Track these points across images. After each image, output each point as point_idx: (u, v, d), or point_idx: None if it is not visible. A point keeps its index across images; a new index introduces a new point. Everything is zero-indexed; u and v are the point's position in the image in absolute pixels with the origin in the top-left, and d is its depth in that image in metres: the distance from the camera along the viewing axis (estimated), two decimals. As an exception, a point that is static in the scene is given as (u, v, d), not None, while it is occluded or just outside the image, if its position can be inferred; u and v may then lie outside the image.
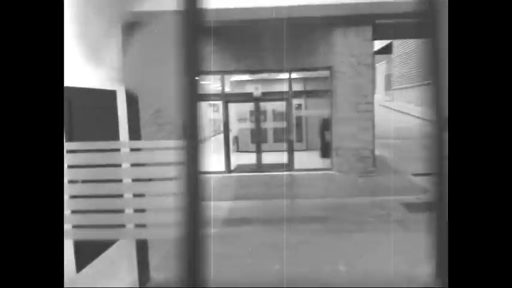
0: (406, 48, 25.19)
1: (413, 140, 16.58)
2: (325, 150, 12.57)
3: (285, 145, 10.57)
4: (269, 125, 14.73)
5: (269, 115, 14.80)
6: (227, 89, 14.40)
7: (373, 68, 9.93)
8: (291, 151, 10.45)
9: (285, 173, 10.34)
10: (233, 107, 15.21)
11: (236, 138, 15.27)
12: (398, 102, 25.65)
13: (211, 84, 10.98)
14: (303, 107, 14.15)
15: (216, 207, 7.92)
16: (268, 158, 11.15)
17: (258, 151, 10.68)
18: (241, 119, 14.81)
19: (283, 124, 14.26)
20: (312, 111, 13.51)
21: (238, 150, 15.15)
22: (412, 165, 11.10)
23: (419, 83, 26.04)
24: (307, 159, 12.03)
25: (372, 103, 9.97)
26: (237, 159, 13.65)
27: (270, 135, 14.82)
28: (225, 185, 9.55)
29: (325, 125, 12.74)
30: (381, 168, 10.54)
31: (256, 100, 10.41)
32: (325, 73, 12.60)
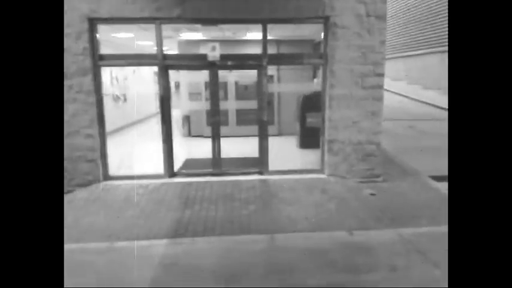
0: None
1: (404, 121, 13.80)
2: (306, 139, 9.37)
3: (256, 129, 7.22)
4: (231, 103, 11.21)
5: (231, 89, 11.28)
6: (171, 51, 10.60)
7: (385, 21, 6.64)
8: (263, 138, 7.08)
9: (256, 177, 6.99)
10: (184, 78, 11.57)
11: (187, 119, 11.64)
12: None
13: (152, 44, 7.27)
14: (275, 79, 10.74)
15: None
16: (229, 147, 7.76)
17: (215, 138, 7.22)
18: (193, 93, 11.17)
19: (251, 102, 10.88)
20: (292, 85, 10.08)
21: (190, 135, 11.57)
22: (421, 160, 8.17)
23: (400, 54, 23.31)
24: (282, 150, 8.73)
25: (382, 75, 6.76)
26: (187, 148, 10.13)
27: (232, 116, 11.33)
28: (157, 201, 6.07)
29: (306, 105, 9.47)
30: (387, 167, 7.48)
31: (213, 66, 6.84)
32: (306, 31, 9.21)
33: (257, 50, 6.88)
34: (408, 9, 23.00)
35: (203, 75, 8.38)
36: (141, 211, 5.64)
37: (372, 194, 6.18)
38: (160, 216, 5.46)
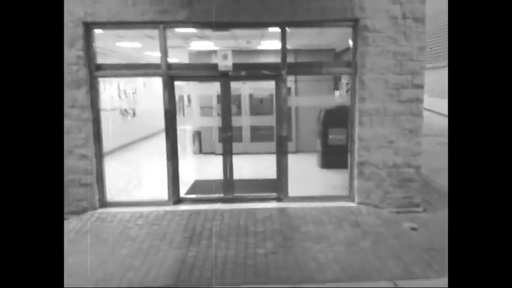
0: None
1: (431, 137, 12.68)
2: (328, 158, 8.41)
3: (274, 145, 6.33)
4: (245, 119, 10.33)
5: (245, 102, 10.42)
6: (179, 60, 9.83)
7: (424, 24, 5.71)
8: (282, 156, 6.15)
9: (273, 204, 6.04)
10: (194, 91, 10.78)
11: (198, 135, 10.81)
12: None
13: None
14: (292, 91, 9.85)
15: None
16: (243, 165, 6.86)
17: (227, 155, 6.31)
18: (204, 108, 10.36)
19: (267, 118, 9.99)
20: (313, 98, 9.12)
21: (200, 152, 10.72)
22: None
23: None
24: (301, 171, 7.78)
25: (422, 87, 5.79)
26: (196, 167, 9.27)
27: (246, 132, 10.46)
28: (158, 235, 5.16)
29: (328, 120, 8.53)
30: (424, 192, 6.44)
31: (224, 77, 5.99)
32: (326, 40, 8.34)
33: (273, 59, 6.00)
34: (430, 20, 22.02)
35: (215, 88, 7.54)
36: (139, 248, 4.73)
37: (412, 229, 5.16)
38: (160, 255, 4.54)
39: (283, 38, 5.79)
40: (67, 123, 5.60)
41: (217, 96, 8.53)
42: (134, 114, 13.43)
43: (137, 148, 12.19)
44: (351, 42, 5.88)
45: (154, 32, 5.81)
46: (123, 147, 11.73)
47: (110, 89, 11.27)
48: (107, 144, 6.36)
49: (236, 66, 5.86)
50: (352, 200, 5.97)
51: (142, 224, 5.40)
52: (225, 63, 5.75)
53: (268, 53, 8.86)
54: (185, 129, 11.30)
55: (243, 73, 6.02)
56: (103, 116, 6.00)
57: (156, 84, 5.91)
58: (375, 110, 5.72)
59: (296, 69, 6.62)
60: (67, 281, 3.99)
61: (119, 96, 12.41)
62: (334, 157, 8.04)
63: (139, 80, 13.59)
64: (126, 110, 12.84)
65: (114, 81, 11.61)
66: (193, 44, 9.18)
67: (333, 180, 7.25)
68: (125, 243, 4.86)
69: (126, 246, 4.78)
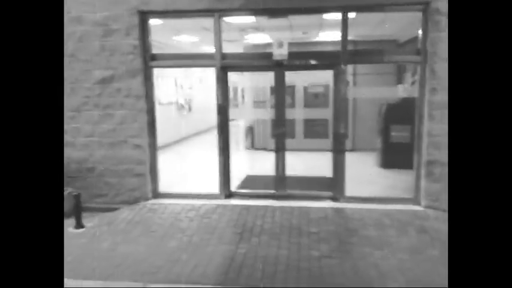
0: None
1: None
2: (389, 157, 7.79)
3: (329, 142, 5.94)
4: (299, 112, 9.94)
5: (299, 95, 10.04)
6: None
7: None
8: (339, 154, 5.73)
9: (328, 204, 5.64)
10: (248, 82, 10.59)
11: (250, 130, 10.62)
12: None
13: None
14: (350, 84, 9.29)
15: None
16: (295, 162, 6.53)
17: (280, 151, 6.00)
18: (257, 101, 10.14)
19: (322, 111, 9.53)
20: (376, 89, 8.48)
21: (253, 147, 10.53)
22: None
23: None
24: (359, 170, 7.26)
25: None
26: (249, 162, 9.08)
27: (300, 127, 10.08)
28: (209, 229, 4.99)
29: (391, 115, 7.89)
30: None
31: (279, 67, 5.68)
32: (388, 30, 7.68)
33: (332, 49, 5.57)
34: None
35: (269, 79, 7.26)
36: (188, 241, 4.60)
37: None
38: (209, 250, 4.36)
39: (344, 24, 5.34)
40: (122, 112, 5.63)
41: (271, 88, 8.27)
42: (190, 108, 13.61)
43: (192, 142, 12.31)
44: (419, 30, 5.28)
45: (210, 22, 5.64)
46: (179, 141, 11.89)
47: (167, 83, 11.48)
48: (163, 137, 6.35)
49: (291, 55, 5.52)
50: (418, 203, 5.38)
51: (193, 217, 5.28)
52: (280, 52, 5.44)
53: (326, 44, 8.41)
54: (238, 124, 11.21)
55: (298, 62, 5.66)
56: (160, 110, 5.98)
57: (212, 79, 5.77)
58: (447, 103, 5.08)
59: (359, 57, 6.02)
60: (112, 271, 3.94)
61: (176, 91, 12.62)
62: (396, 156, 7.43)
63: (196, 75, 13.75)
64: (182, 105, 13.03)
65: (171, 76, 11.81)
66: (248, 37, 8.99)
67: (394, 181, 6.66)
68: (175, 236, 4.75)
69: (176, 239, 4.66)
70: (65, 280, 3.50)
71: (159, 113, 6.00)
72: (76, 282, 3.68)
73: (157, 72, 5.84)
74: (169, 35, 8.67)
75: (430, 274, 3.75)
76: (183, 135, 12.54)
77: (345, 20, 5.32)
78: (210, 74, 6.74)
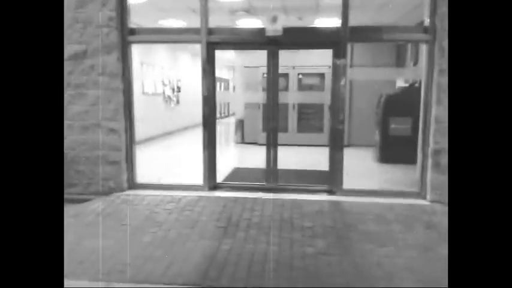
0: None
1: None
2: (388, 151, 7.30)
3: (323, 137, 5.39)
4: (292, 96, 9.34)
5: (293, 84, 9.50)
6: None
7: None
8: (336, 147, 5.20)
9: (324, 197, 5.10)
10: (238, 61, 10.02)
11: (241, 124, 10.06)
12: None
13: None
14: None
15: None
16: (288, 157, 5.98)
17: (271, 145, 5.45)
18: (249, 90, 9.61)
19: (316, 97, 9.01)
20: (379, 70, 7.95)
21: (243, 141, 9.98)
22: None
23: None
24: (356, 165, 6.73)
25: None
26: (237, 156, 8.52)
27: (293, 121, 9.56)
28: (188, 222, 4.40)
29: (390, 107, 7.39)
30: None
31: (272, 44, 5.12)
32: (396, 12, 7.20)
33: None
34: None
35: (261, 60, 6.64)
36: (164, 236, 4.00)
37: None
38: (187, 246, 3.77)
39: (345, 5, 4.81)
40: (95, 92, 5.03)
41: (262, 75, 7.71)
42: (178, 101, 12.99)
43: (178, 136, 11.71)
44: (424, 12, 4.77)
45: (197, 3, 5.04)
46: (165, 135, 11.28)
47: (152, 72, 10.87)
48: (147, 129, 5.76)
49: (286, 31, 4.97)
50: (423, 197, 4.87)
51: (172, 209, 4.69)
52: (274, 27, 4.89)
53: (324, 30, 7.91)
54: (228, 122, 10.69)
55: (293, 39, 5.12)
56: (144, 100, 5.39)
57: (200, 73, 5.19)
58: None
59: (362, 34, 5.27)
60: (73, 268, 3.34)
61: (163, 83, 12.01)
62: (395, 150, 6.95)
63: (185, 68, 13.17)
64: (169, 97, 12.42)
65: (157, 64, 11.20)
66: (239, 22, 8.44)
67: (395, 176, 6.16)
68: (150, 229, 4.16)
69: (150, 233, 4.07)
70: (65, 280, 2.93)
71: (143, 104, 5.42)
72: (76, 283, 3.11)
73: (141, 59, 5.26)
74: (154, 18, 8.08)
75: (442, 273, 3.21)
76: (170, 129, 11.93)
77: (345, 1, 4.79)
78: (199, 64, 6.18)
